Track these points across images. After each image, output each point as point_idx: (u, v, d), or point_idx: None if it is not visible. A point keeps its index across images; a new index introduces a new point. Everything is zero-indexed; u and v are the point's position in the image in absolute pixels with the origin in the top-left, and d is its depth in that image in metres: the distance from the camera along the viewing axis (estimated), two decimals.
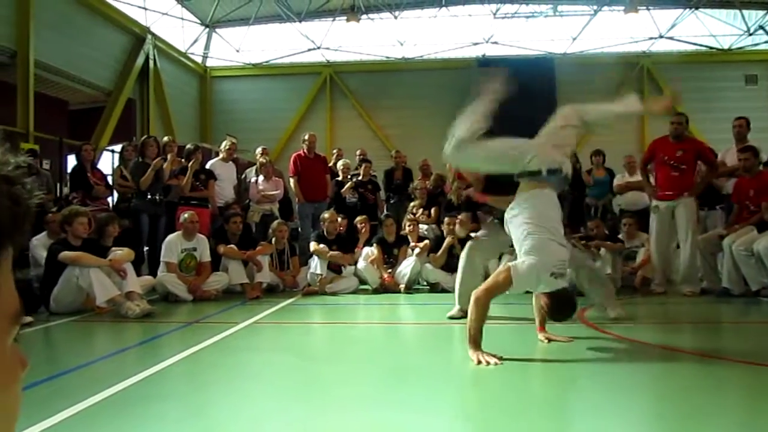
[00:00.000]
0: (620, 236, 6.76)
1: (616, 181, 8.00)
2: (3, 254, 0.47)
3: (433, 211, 7.70)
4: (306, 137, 8.24)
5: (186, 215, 6.18)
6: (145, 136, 7.89)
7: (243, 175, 8.43)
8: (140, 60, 12.01)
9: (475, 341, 3.15)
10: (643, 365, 3.24)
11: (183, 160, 7.18)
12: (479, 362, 3.05)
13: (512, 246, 3.48)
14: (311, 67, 14.97)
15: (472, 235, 5.04)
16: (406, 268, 6.58)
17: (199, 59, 14.83)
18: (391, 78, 14.57)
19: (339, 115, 14.88)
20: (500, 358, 3.09)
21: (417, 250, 6.61)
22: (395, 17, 14.42)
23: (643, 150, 9.11)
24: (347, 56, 15.03)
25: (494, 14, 14.42)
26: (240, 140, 9.95)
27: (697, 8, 13.71)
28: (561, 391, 2.84)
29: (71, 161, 8.62)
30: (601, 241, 6.53)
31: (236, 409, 2.43)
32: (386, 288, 6.54)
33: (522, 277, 3.15)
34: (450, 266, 6.09)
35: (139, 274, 5.77)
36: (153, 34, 12.45)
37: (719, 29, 14.15)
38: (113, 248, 5.36)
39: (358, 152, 9.35)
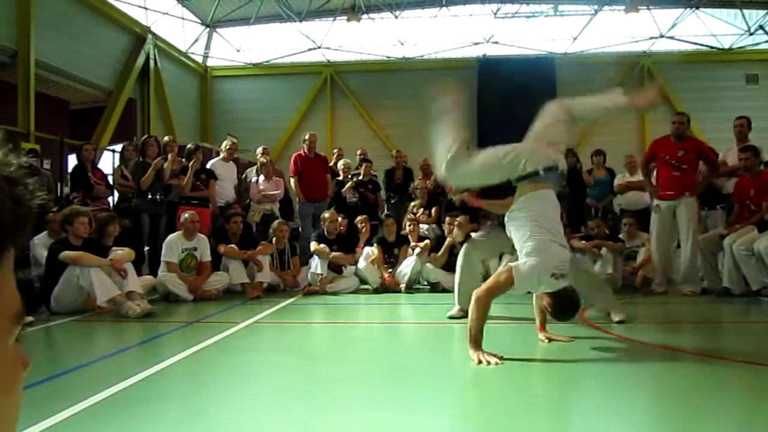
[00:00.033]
0: (621, 236, 6.76)
1: (617, 181, 8.00)
2: (5, 255, 0.47)
3: (433, 210, 7.70)
4: (306, 137, 8.24)
5: (186, 215, 6.18)
6: (146, 136, 7.89)
7: (243, 175, 8.43)
8: (141, 60, 12.01)
9: (476, 341, 3.16)
10: (644, 365, 3.24)
11: (184, 159, 7.18)
12: (480, 362, 3.06)
13: (513, 246, 3.48)
14: (312, 66, 14.97)
15: (472, 235, 5.04)
16: (406, 267, 6.58)
17: (199, 59, 14.83)
18: (392, 78, 14.56)
19: (339, 115, 14.87)
20: (501, 358, 3.09)
21: (417, 250, 6.61)
22: (396, 17, 14.42)
23: (643, 150, 9.10)
24: (348, 56, 15.03)
25: (495, 14, 14.41)
26: (240, 140, 9.96)
27: (697, 8, 13.70)
28: (562, 391, 2.84)
29: (72, 161, 8.62)
30: (601, 241, 6.53)
31: (237, 408, 2.43)
32: (387, 288, 6.54)
33: (523, 278, 3.15)
34: (451, 266, 6.07)
35: (139, 273, 5.77)
36: (153, 34, 12.45)
37: (720, 29, 14.14)
38: (114, 248, 5.37)
39: (358, 152, 9.35)
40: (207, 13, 13.98)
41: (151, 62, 12.33)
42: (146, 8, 12.27)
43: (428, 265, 6.57)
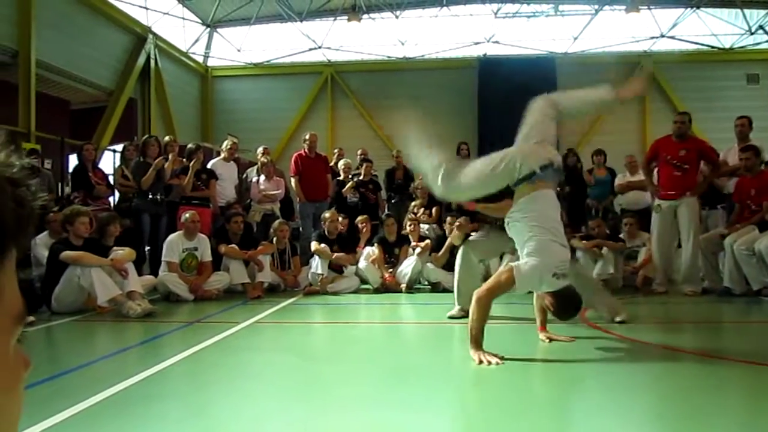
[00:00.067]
0: (621, 236, 6.75)
1: (618, 181, 7.99)
2: (7, 256, 0.47)
3: (434, 210, 7.70)
4: (307, 137, 8.24)
5: (187, 215, 6.19)
6: (147, 136, 7.89)
7: (244, 175, 8.43)
8: (141, 60, 12.02)
9: (477, 341, 3.16)
10: (645, 365, 3.24)
11: (184, 159, 7.19)
12: (481, 362, 3.06)
13: (513, 247, 3.48)
14: (312, 66, 14.97)
15: (473, 234, 5.04)
16: (407, 267, 6.58)
17: (200, 59, 14.84)
18: (392, 78, 14.56)
19: (340, 115, 14.87)
20: (502, 358, 3.09)
21: (418, 250, 6.61)
22: (396, 17, 14.42)
23: (644, 150, 9.11)
24: (348, 56, 15.03)
25: (495, 14, 14.41)
26: (241, 140, 9.96)
27: (698, 7, 13.69)
28: (562, 391, 2.84)
29: (72, 161, 8.63)
30: (602, 240, 6.53)
31: (237, 408, 2.43)
32: (387, 288, 6.54)
33: (524, 278, 3.16)
34: (451, 266, 6.05)
35: (140, 273, 5.78)
36: (154, 34, 12.45)
37: (721, 28, 14.13)
38: (114, 248, 5.37)
39: (359, 152, 9.34)
40: (208, 13, 13.99)
41: (152, 62, 12.34)
42: (147, 8, 12.27)
43: (429, 264, 6.57)
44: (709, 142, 6.74)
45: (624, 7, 13.52)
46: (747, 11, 13.45)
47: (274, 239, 6.74)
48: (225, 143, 8.07)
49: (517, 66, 12.78)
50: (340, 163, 8.54)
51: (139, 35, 12.06)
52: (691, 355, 3.45)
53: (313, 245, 6.59)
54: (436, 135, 3.55)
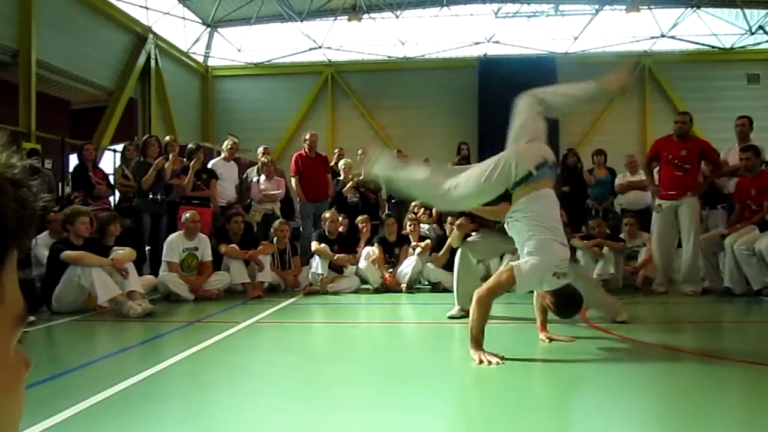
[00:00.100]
0: (622, 236, 6.75)
1: (618, 181, 7.99)
2: (8, 256, 0.47)
3: (434, 210, 7.69)
4: (307, 137, 8.24)
5: (187, 215, 6.19)
6: (147, 136, 7.90)
7: (244, 175, 8.44)
8: (142, 59, 12.02)
9: (477, 341, 3.16)
10: (645, 365, 3.24)
11: (185, 159, 7.19)
12: (481, 362, 3.06)
13: (513, 247, 3.48)
14: (313, 66, 14.97)
15: (472, 235, 5.04)
16: (407, 267, 6.58)
17: (200, 59, 14.84)
18: (393, 77, 14.56)
19: (340, 115, 14.87)
20: (502, 358, 3.09)
21: (418, 250, 6.62)
22: (397, 17, 14.41)
23: (644, 150, 9.11)
24: (349, 56, 15.02)
25: (496, 14, 14.40)
26: (241, 140, 9.96)
27: (698, 7, 13.68)
28: (562, 391, 2.84)
29: (73, 161, 8.64)
30: (603, 240, 6.53)
31: (237, 408, 2.44)
32: (387, 288, 6.54)
33: (525, 278, 3.16)
34: (452, 266, 6.05)
35: (140, 273, 5.78)
36: (155, 34, 12.45)
37: (721, 28, 14.12)
38: (115, 247, 5.37)
39: (359, 152, 9.34)
40: (208, 12, 13.98)
41: (152, 62, 12.34)
42: (147, 8, 12.27)
43: (429, 264, 6.57)
44: (710, 142, 6.73)
45: (624, 7, 13.52)
46: (747, 11, 13.45)
47: (275, 239, 6.74)
48: (225, 143, 8.07)
49: (518, 66, 12.76)
50: (341, 163, 8.53)
51: (139, 35, 12.06)
52: (692, 355, 3.45)
53: (314, 245, 6.59)
54: (412, 155, 3.62)
